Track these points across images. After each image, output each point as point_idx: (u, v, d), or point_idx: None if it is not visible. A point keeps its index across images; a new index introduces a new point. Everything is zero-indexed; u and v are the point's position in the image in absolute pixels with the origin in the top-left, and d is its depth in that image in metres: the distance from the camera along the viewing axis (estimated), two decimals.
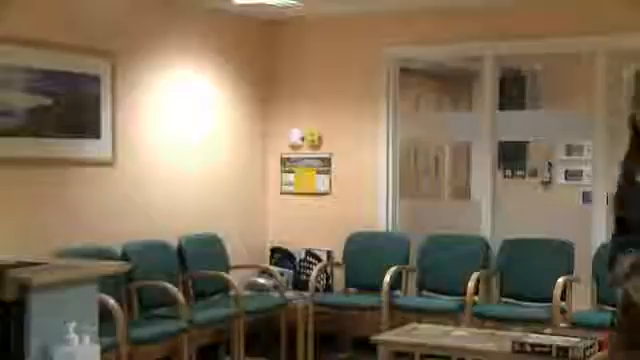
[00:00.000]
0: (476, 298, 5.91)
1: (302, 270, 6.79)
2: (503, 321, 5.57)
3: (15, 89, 5.02)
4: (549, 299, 5.58)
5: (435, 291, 6.22)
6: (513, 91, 8.22)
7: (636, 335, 2.70)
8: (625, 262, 2.61)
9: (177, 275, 5.84)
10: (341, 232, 6.58)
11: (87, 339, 2.59)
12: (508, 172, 8.64)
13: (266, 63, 6.98)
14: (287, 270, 6.78)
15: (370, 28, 6.60)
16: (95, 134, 5.52)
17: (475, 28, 6.25)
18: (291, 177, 6.97)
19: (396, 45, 6.54)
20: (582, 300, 5.73)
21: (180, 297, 5.38)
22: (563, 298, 5.66)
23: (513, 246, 6.12)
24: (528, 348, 4.32)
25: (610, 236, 2.90)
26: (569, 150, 8.48)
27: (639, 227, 2.73)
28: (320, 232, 6.77)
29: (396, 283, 6.22)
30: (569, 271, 5.81)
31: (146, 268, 5.49)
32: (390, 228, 6.65)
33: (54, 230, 5.16)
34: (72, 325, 2.55)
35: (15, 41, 4.96)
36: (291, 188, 6.96)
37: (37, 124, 5.15)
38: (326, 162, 6.85)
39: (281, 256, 6.89)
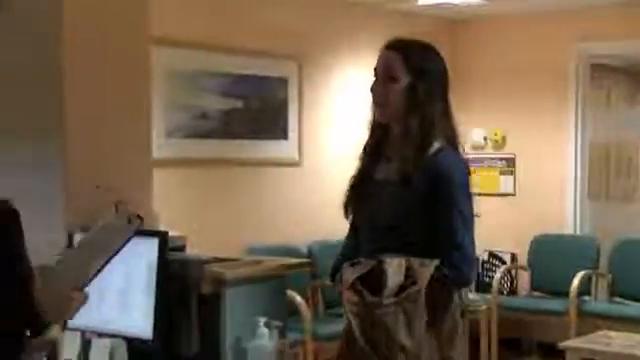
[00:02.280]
0: None
1: (485, 272, 6.68)
2: None
3: (210, 93, 5.29)
4: None
5: (628, 297, 5.92)
6: None
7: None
8: (347, 271, 2.41)
9: None
10: (525, 234, 6.40)
11: (276, 334, 2.67)
12: None
13: (449, 62, 6.87)
14: None
15: (559, 24, 6.37)
16: (283, 135, 5.70)
17: None
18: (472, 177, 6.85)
19: (587, 41, 6.27)
20: None
21: None
22: None
23: None
24: None
25: None
26: None
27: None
28: (503, 234, 6.61)
29: (585, 288, 5.98)
30: None
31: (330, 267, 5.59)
32: (578, 231, 6.39)
33: (244, 228, 5.38)
34: (262, 320, 2.64)
35: (209, 47, 5.22)
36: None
37: (229, 126, 5.39)
38: (510, 162, 6.69)
39: None
